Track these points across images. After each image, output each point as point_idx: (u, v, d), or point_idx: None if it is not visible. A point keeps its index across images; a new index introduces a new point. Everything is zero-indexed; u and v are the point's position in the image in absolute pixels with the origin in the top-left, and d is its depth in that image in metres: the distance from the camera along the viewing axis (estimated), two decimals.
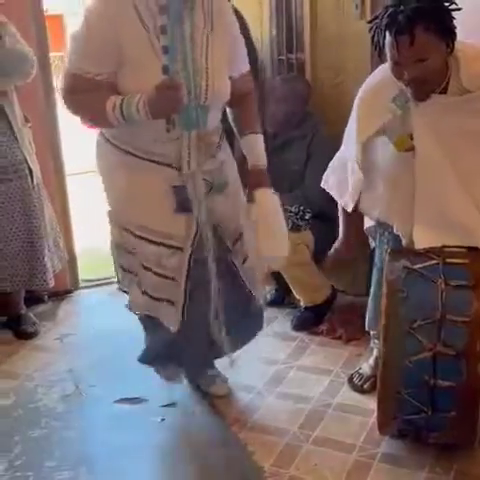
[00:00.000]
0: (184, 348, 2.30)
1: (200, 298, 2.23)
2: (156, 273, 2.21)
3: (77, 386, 2.63)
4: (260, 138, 2.26)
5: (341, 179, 2.33)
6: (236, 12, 2.46)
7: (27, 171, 2.88)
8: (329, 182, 2.42)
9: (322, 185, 2.46)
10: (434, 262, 2.01)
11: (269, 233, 2.21)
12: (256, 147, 2.24)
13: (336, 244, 2.51)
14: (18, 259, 2.91)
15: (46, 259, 2.97)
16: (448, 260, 2.01)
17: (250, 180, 2.25)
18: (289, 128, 3.03)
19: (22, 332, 3.05)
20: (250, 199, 2.24)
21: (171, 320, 2.24)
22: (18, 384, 2.68)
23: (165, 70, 1.97)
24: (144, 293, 2.25)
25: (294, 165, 3.02)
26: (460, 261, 2.01)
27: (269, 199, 2.23)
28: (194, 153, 2.11)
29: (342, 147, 2.35)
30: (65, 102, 2.10)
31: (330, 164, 2.42)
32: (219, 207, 2.21)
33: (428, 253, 2.05)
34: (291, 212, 2.91)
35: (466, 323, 1.91)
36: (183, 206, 2.14)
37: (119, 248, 2.28)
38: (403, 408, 2.01)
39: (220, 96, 2.13)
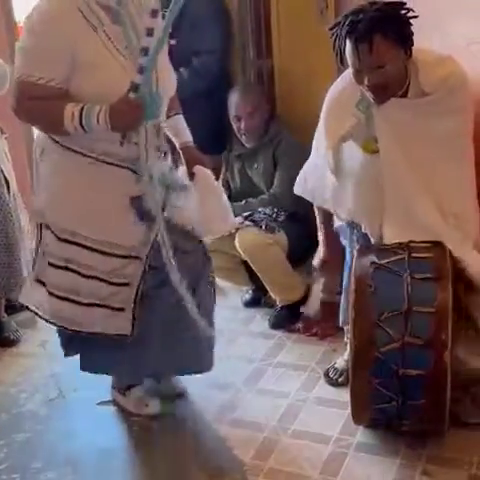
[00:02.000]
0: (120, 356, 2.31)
1: (151, 305, 2.23)
2: (111, 282, 2.18)
3: (60, 390, 2.67)
4: (183, 118, 2.32)
5: (316, 185, 2.39)
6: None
7: (3, 181, 2.88)
8: (304, 187, 2.45)
9: (295, 191, 2.49)
10: (400, 257, 2.09)
11: (212, 209, 2.25)
12: (182, 126, 2.31)
13: (320, 254, 2.51)
14: None
15: (24, 268, 2.98)
16: (413, 254, 2.09)
17: (186, 158, 2.28)
18: (257, 137, 3.07)
19: (4, 339, 3.07)
20: (191, 177, 2.25)
21: (121, 326, 2.22)
22: (1, 390, 2.70)
23: (135, 88, 1.94)
24: (89, 305, 2.20)
25: (263, 170, 3.07)
26: (424, 255, 2.09)
27: (208, 175, 2.27)
28: (151, 145, 2.08)
29: (312, 152, 2.39)
30: (16, 111, 2.05)
31: (301, 171, 2.46)
32: (177, 205, 2.20)
33: (394, 248, 2.13)
34: (265, 214, 2.98)
35: (431, 314, 1.99)
36: (143, 216, 2.12)
37: (49, 258, 2.20)
38: (375, 398, 2.07)
39: (169, 83, 2.14)
